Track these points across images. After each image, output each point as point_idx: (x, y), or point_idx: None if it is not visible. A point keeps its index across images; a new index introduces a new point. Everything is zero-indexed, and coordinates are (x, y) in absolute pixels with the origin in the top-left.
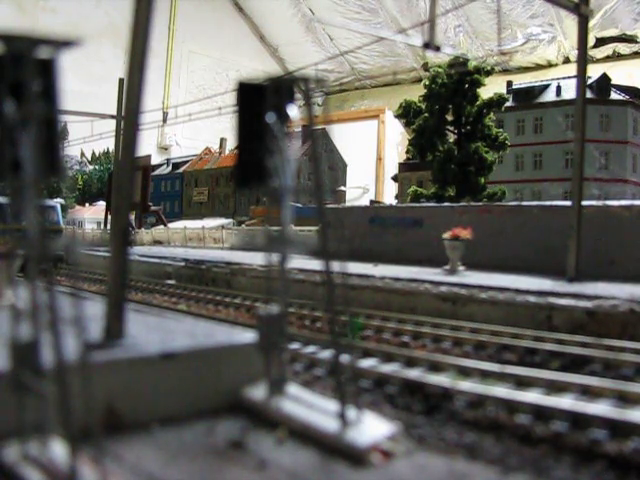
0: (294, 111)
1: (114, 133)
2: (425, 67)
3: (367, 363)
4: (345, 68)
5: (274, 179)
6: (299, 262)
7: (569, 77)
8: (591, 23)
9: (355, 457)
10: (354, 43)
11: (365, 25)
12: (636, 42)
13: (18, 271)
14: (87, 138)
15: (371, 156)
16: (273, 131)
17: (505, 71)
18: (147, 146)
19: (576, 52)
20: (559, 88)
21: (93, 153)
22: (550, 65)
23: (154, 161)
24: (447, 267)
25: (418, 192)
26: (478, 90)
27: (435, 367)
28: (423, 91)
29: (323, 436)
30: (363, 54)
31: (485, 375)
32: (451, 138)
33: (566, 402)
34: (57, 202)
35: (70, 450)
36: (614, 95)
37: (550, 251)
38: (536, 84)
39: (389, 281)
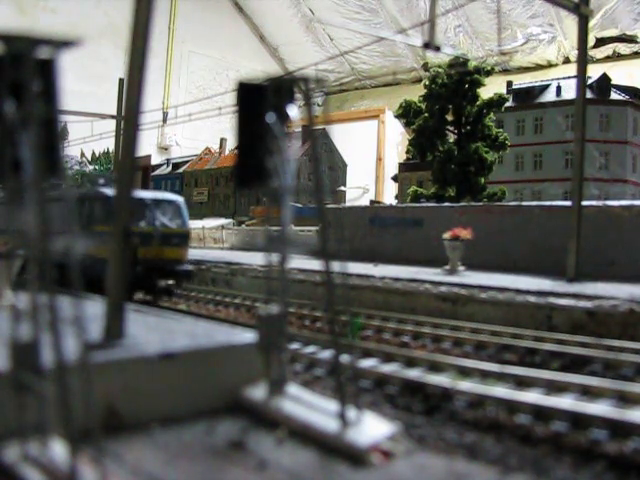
0: (294, 111)
1: (114, 133)
2: (425, 67)
3: (367, 363)
4: (345, 68)
5: (274, 179)
6: (299, 262)
7: (569, 77)
8: (591, 23)
9: (355, 457)
10: (354, 43)
11: (365, 25)
12: (636, 42)
13: (18, 273)
14: (87, 138)
15: (371, 156)
16: (273, 131)
17: (505, 71)
18: (147, 146)
19: (576, 52)
20: (559, 88)
21: (93, 153)
22: (550, 65)
23: (154, 161)
24: (447, 267)
25: (418, 192)
26: (478, 90)
27: (435, 367)
28: (423, 91)
29: (323, 436)
30: (363, 54)
31: (485, 375)
32: (451, 138)
33: (566, 402)
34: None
35: (70, 450)
36: (614, 95)
37: (550, 251)
38: (536, 84)
39: (389, 281)
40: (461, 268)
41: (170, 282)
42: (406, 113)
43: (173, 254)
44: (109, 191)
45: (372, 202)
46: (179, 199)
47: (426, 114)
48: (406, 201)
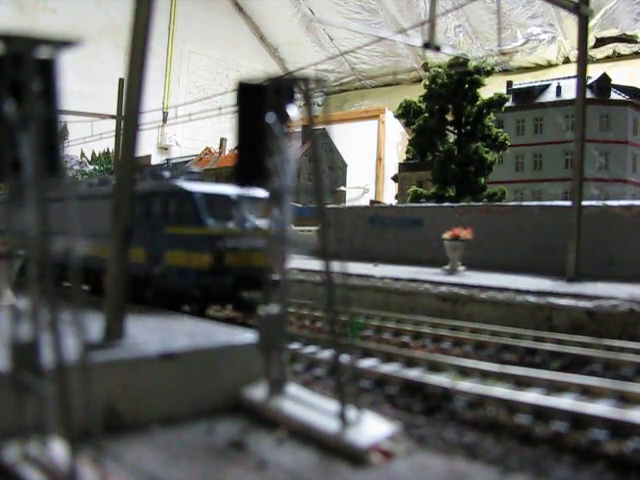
0: (294, 111)
1: (114, 133)
2: (425, 67)
3: (367, 363)
4: (345, 68)
5: (274, 179)
6: (301, 262)
7: (569, 77)
8: (591, 23)
9: (355, 457)
10: (354, 43)
11: (365, 25)
12: (636, 42)
13: (17, 273)
14: (87, 138)
15: (371, 156)
16: (273, 131)
17: (505, 71)
18: (147, 146)
19: (576, 52)
20: (559, 88)
21: (93, 153)
22: (550, 65)
23: (154, 161)
24: (447, 267)
25: (418, 192)
26: (478, 90)
27: (435, 367)
28: (423, 91)
29: (323, 436)
30: (363, 54)
31: (485, 375)
32: (451, 138)
33: (566, 402)
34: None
35: (70, 450)
36: (614, 95)
37: (550, 251)
38: (536, 84)
39: (389, 281)
40: (461, 268)
41: (255, 294)
42: (406, 113)
43: (262, 260)
44: (189, 185)
45: (372, 202)
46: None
47: (426, 114)
48: (406, 201)
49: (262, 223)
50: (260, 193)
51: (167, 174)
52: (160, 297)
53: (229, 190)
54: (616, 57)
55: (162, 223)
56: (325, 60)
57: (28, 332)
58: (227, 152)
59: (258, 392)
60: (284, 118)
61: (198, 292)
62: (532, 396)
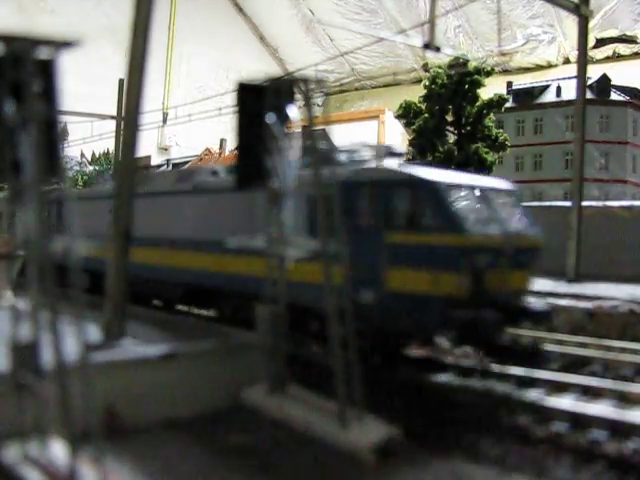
0: (294, 112)
1: (114, 133)
2: (425, 68)
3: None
4: (345, 69)
5: (274, 179)
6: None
7: (569, 78)
8: (591, 24)
9: (355, 457)
10: (354, 44)
11: (365, 26)
12: (636, 42)
13: (18, 274)
14: (87, 139)
15: None
16: (273, 131)
17: (505, 72)
18: (147, 146)
19: (576, 53)
20: (559, 89)
21: (93, 154)
22: (550, 66)
23: (154, 161)
24: None
25: None
26: (478, 91)
27: (435, 367)
28: (423, 92)
29: (323, 436)
30: (363, 55)
31: (485, 375)
32: (451, 139)
33: (566, 402)
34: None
35: (70, 450)
36: (614, 96)
37: (550, 252)
38: (536, 85)
39: None
40: None
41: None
42: (406, 114)
43: (520, 281)
44: (425, 173)
45: None
46: (516, 188)
47: (426, 115)
48: None
49: (523, 228)
50: (508, 185)
51: (353, 157)
52: (369, 337)
53: (480, 181)
54: (616, 57)
55: (376, 228)
56: (325, 61)
57: (28, 332)
58: (227, 153)
59: (258, 392)
60: (284, 119)
61: (442, 331)
62: (532, 396)
